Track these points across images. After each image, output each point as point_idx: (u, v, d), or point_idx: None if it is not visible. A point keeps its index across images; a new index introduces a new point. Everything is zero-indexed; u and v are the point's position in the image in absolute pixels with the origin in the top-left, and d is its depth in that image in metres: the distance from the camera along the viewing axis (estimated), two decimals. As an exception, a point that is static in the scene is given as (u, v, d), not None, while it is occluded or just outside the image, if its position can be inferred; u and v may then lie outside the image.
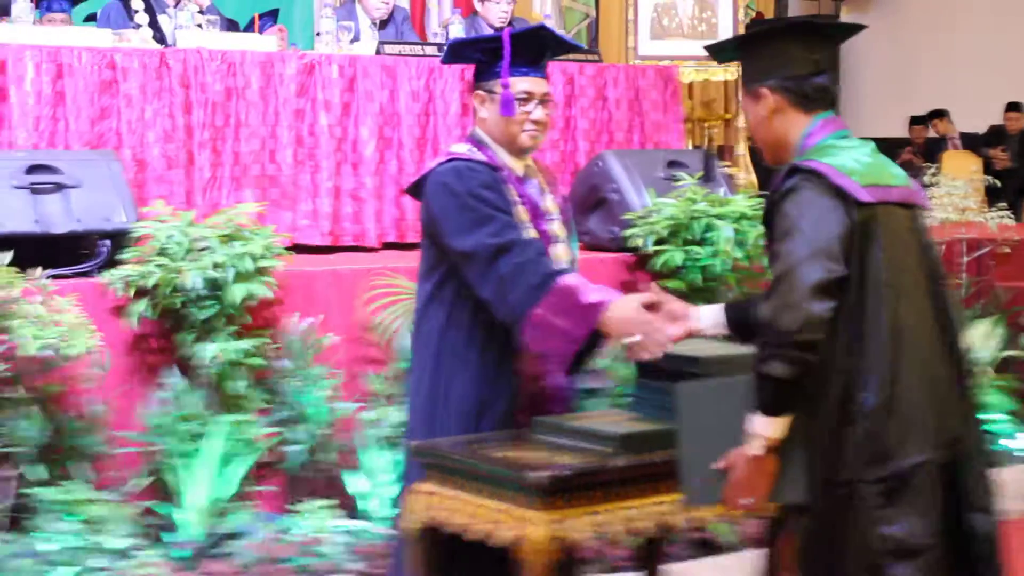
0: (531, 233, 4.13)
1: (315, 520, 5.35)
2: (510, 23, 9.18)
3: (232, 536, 5.32)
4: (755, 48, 3.64)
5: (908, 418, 3.35)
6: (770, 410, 3.29)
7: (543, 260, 4.03)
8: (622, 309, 3.89)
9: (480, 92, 4.24)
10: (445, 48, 4.53)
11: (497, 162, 4.19)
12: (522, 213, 4.15)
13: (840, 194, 3.36)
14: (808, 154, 3.47)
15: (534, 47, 4.25)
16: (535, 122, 4.20)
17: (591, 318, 3.91)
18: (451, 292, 4.19)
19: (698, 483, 3.47)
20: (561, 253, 4.25)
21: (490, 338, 4.15)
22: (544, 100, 4.22)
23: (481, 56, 4.26)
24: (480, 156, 4.18)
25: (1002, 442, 7.39)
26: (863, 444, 3.32)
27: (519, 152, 4.25)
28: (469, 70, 4.40)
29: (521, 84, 4.19)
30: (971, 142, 14.36)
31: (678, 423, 3.48)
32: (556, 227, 4.28)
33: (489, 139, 4.24)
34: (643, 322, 3.85)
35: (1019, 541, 6.86)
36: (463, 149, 4.22)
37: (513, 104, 4.16)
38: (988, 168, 13.06)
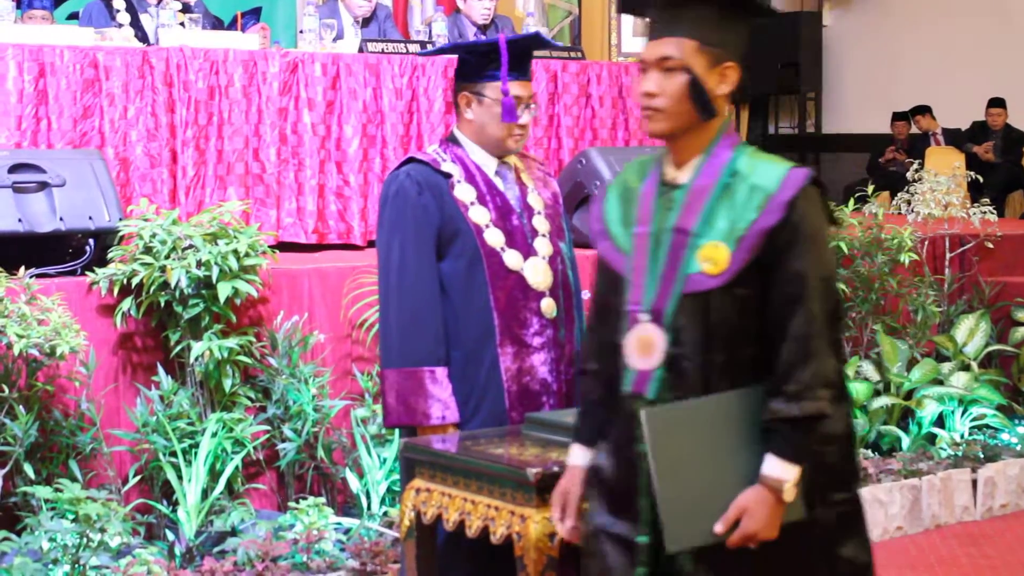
0: (491, 233, 4.21)
1: (310, 517, 5.35)
2: (492, 21, 9.20)
3: (228, 534, 5.32)
4: (735, 14, 3.18)
5: (855, 443, 3.28)
6: (802, 457, 3.02)
7: (423, 331, 4.14)
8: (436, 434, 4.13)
9: (467, 93, 4.27)
10: (434, 48, 4.58)
11: (467, 163, 4.27)
12: (479, 214, 4.22)
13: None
14: (759, 155, 3.16)
15: (525, 53, 4.30)
16: (522, 127, 4.27)
17: (415, 420, 4.14)
18: None
19: (681, 521, 3.00)
20: (542, 247, 4.29)
21: (464, 337, 4.20)
22: (529, 103, 4.28)
23: (470, 57, 4.29)
24: (445, 157, 4.27)
25: (992, 437, 7.44)
26: (832, 468, 3.15)
27: (503, 152, 4.29)
28: (452, 67, 4.42)
29: (513, 90, 4.22)
30: (953, 138, 14.40)
31: (649, 456, 2.99)
32: (538, 222, 4.32)
33: (467, 139, 4.30)
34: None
35: (1015, 536, 6.92)
36: (430, 149, 4.34)
37: (515, 110, 4.20)
38: (971, 163, 13.10)
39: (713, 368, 3.07)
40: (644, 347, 3.11)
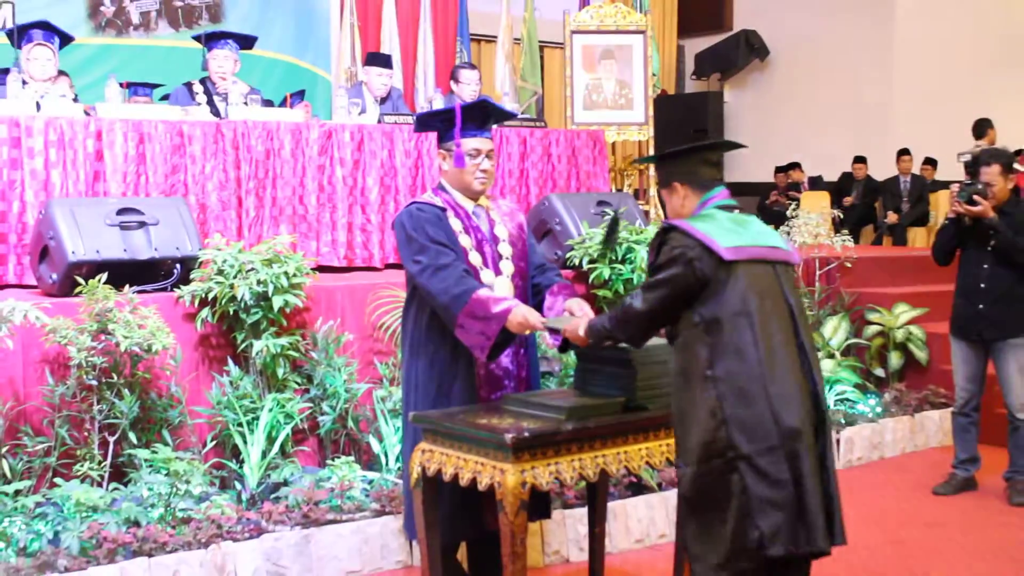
0: (473, 255, 4.21)
1: (343, 472, 5.34)
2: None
3: (281, 484, 5.31)
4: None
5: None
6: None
7: (464, 279, 4.07)
8: (518, 314, 4.00)
9: (441, 151, 4.30)
10: (414, 121, 4.61)
11: (452, 203, 4.26)
12: (465, 240, 4.22)
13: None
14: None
15: (480, 115, 4.29)
16: (483, 171, 4.27)
17: (498, 323, 4.01)
18: (416, 300, 4.25)
19: None
20: (506, 267, 4.29)
21: (442, 335, 4.18)
22: (489, 154, 4.27)
23: (441, 125, 4.30)
24: (437, 200, 4.26)
25: (851, 407, 7.47)
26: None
27: (474, 195, 4.29)
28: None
29: (472, 143, 4.24)
30: (815, 184, 14.53)
31: None
32: (503, 248, 4.32)
33: (449, 186, 4.31)
34: (532, 323, 4.01)
35: (868, 482, 6.92)
36: (426, 195, 4.32)
37: (464, 158, 4.21)
38: (835, 204, 13.16)
39: None
40: None
